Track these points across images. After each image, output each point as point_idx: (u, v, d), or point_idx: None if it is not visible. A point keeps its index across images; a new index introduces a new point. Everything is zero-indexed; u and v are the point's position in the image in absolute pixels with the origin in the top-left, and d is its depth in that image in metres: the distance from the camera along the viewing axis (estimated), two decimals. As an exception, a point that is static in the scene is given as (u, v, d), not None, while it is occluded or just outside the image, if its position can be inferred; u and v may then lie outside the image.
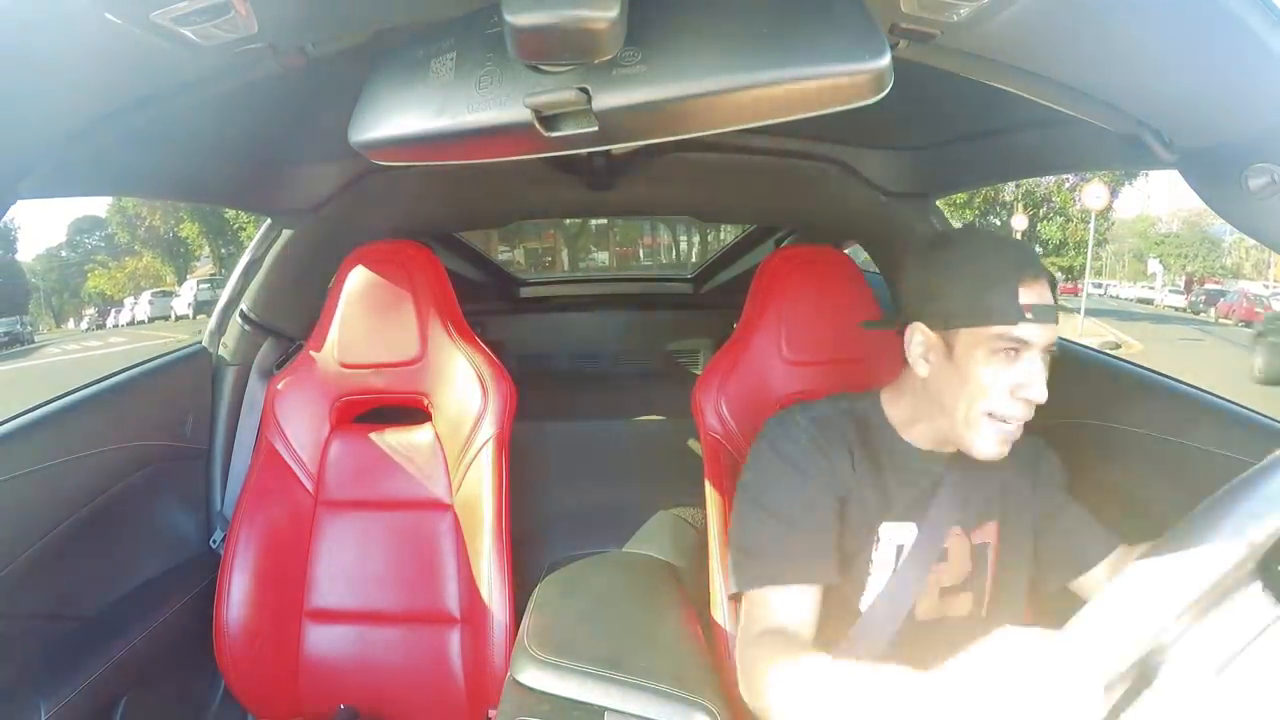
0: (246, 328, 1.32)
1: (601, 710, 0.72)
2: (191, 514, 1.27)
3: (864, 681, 0.61)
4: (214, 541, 1.25)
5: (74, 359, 14.13)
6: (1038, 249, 17.31)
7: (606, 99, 0.53)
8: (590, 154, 1.23)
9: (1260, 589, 0.46)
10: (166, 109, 0.63)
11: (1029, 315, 0.74)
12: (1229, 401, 0.94)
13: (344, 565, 1.15)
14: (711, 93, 0.52)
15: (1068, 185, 15.49)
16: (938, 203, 1.43)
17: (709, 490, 1.06)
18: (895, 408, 0.87)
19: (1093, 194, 12.81)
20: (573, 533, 1.31)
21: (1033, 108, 0.64)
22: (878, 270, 1.52)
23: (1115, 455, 1.02)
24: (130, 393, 1.14)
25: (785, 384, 1.10)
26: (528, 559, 1.18)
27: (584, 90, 0.53)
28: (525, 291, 2.29)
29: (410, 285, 1.16)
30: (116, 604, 1.05)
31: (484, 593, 1.06)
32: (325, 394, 1.19)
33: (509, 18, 0.47)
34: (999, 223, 16.91)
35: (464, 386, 1.14)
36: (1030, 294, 0.75)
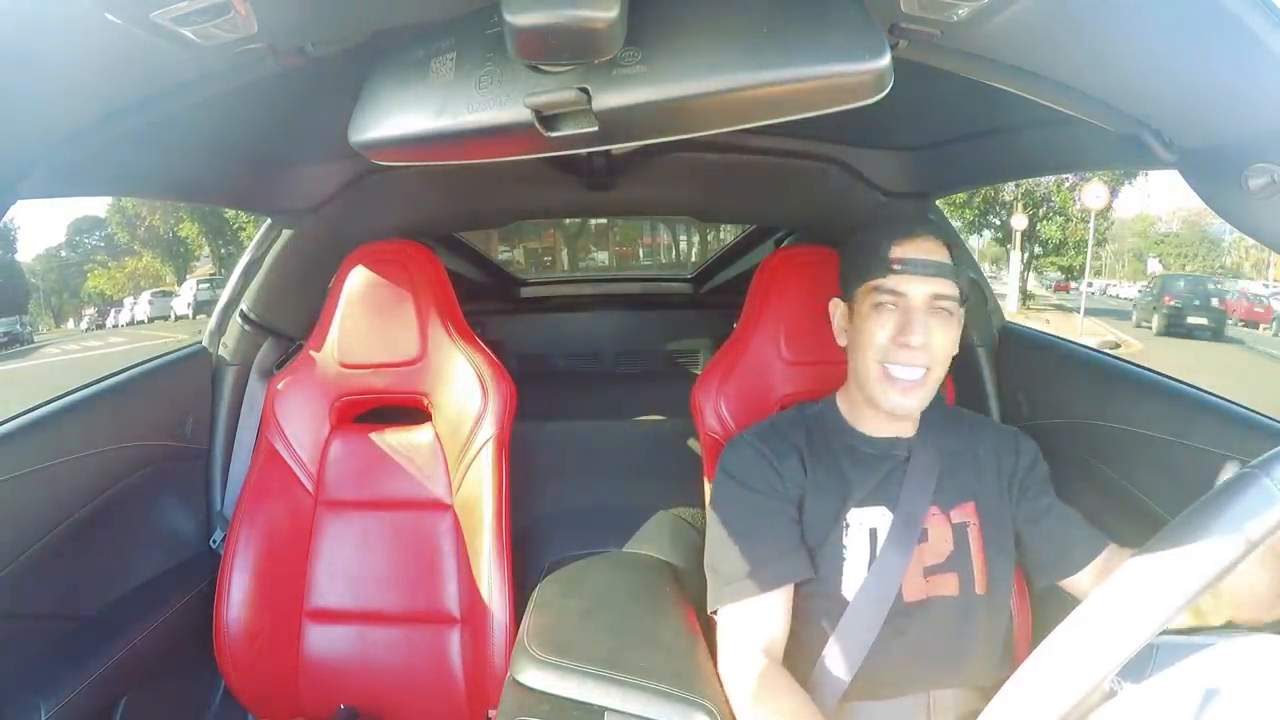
0: (246, 328, 1.31)
1: (601, 710, 0.72)
2: (191, 514, 1.26)
3: None
4: (214, 541, 1.25)
5: (73, 359, 14.12)
6: (1038, 249, 17.40)
7: (606, 99, 0.53)
8: (590, 154, 1.23)
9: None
10: (166, 109, 0.63)
11: (896, 267, 0.83)
12: (1229, 401, 0.94)
13: (344, 565, 1.15)
14: (711, 93, 0.52)
15: (1067, 185, 15.45)
16: (938, 202, 1.43)
17: (709, 490, 1.07)
18: (846, 401, 0.94)
19: (1092, 194, 12.79)
20: (573, 533, 1.31)
21: (1033, 108, 0.64)
22: None
23: (1115, 455, 1.02)
24: (130, 393, 1.14)
25: (784, 384, 1.10)
26: (528, 559, 1.18)
27: (584, 90, 0.53)
28: (525, 291, 2.29)
29: (410, 285, 1.16)
30: (116, 604, 1.05)
31: (484, 593, 1.06)
32: (325, 394, 1.19)
33: (509, 18, 0.47)
34: (999, 222, 16.90)
35: (464, 386, 1.14)
36: (904, 250, 0.84)
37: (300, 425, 1.18)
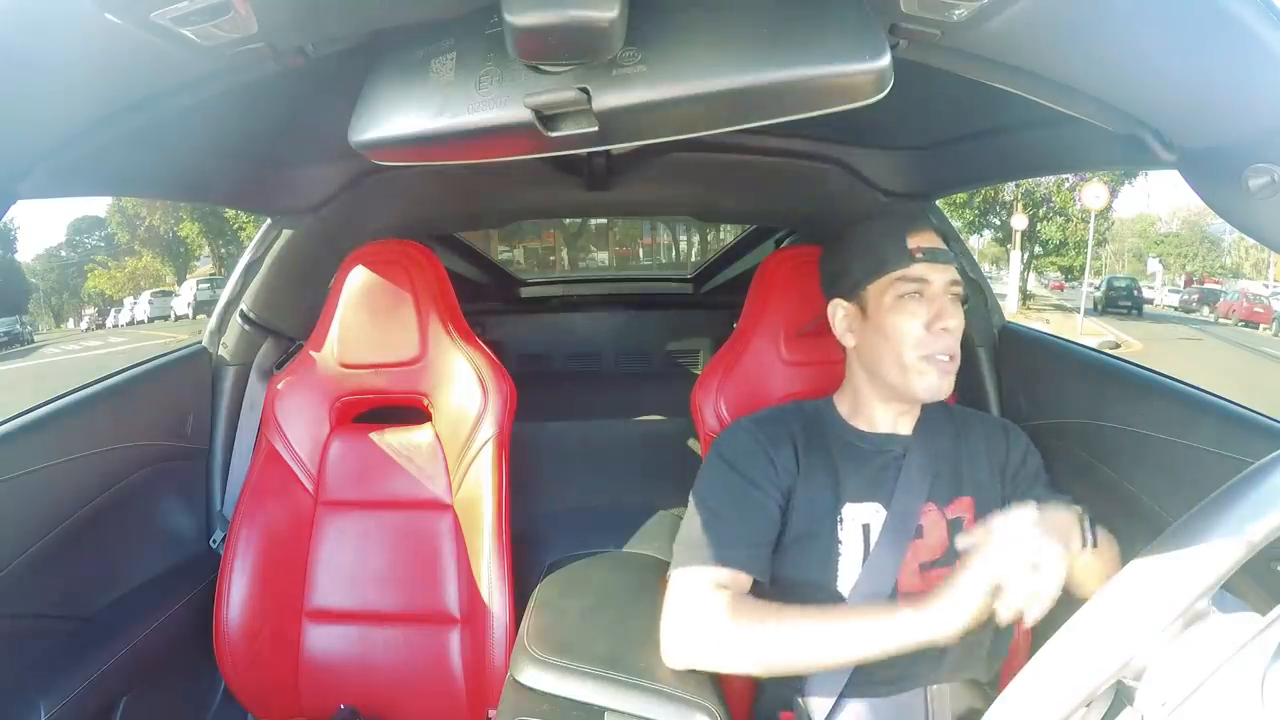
0: (246, 328, 1.31)
1: (601, 710, 0.72)
2: (191, 514, 1.26)
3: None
4: (214, 541, 1.24)
5: (74, 359, 14.11)
6: (1038, 249, 17.42)
7: (606, 99, 0.53)
8: (590, 154, 1.23)
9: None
10: (167, 109, 0.63)
11: (919, 255, 0.84)
12: (1229, 401, 0.94)
13: (344, 565, 1.15)
14: (711, 93, 0.52)
15: (1067, 185, 15.46)
16: (938, 202, 1.43)
17: None
18: (843, 401, 0.94)
19: (1092, 194, 12.81)
20: (573, 533, 1.31)
21: (1033, 108, 0.64)
22: None
23: (1115, 455, 1.02)
24: (130, 393, 1.14)
25: (784, 384, 1.10)
26: (528, 559, 1.18)
27: (584, 90, 0.53)
28: (525, 291, 2.29)
29: (410, 285, 1.16)
30: (116, 604, 1.05)
31: (484, 593, 1.06)
32: (325, 394, 1.19)
33: (509, 18, 0.47)
34: (999, 222, 16.91)
35: (464, 386, 1.14)
36: (920, 240, 0.84)
37: (300, 425, 1.18)
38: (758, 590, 0.85)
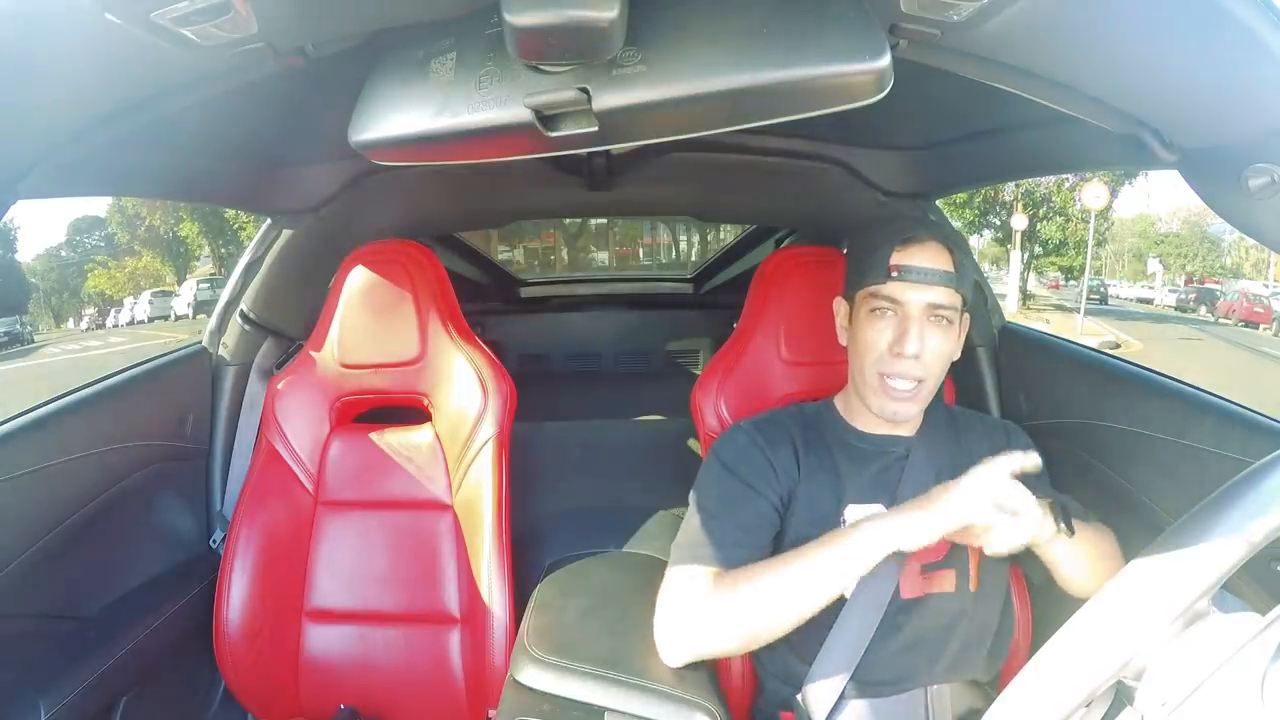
0: (246, 328, 1.31)
1: (601, 710, 0.72)
2: (191, 514, 1.26)
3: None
4: (214, 541, 1.25)
5: (73, 359, 14.11)
6: (1038, 249, 17.41)
7: (606, 99, 0.53)
8: (590, 154, 1.23)
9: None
10: (167, 109, 0.63)
11: (894, 275, 0.82)
12: (1229, 401, 0.94)
13: (344, 565, 1.15)
14: (711, 93, 0.52)
15: (1067, 185, 15.46)
16: (938, 202, 1.43)
17: None
18: (844, 401, 0.94)
19: (1092, 194, 12.81)
20: (573, 533, 1.31)
21: (1033, 108, 0.64)
22: None
23: (1115, 455, 1.02)
24: (130, 393, 1.14)
25: (784, 384, 1.10)
26: (528, 559, 1.18)
27: (584, 90, 0.53)
28: (525, 291, 2.29)
29: (410, 285, 1.16)
30: (116, 604, 1.05)
31: (484, 593, 1.06)
32: (325, 394, 1.19)
33: (509, 18, 0.47)
34: (999, 222, 16.92)
35: (464, 387, 1.14)
36: (903, 257, 0.82)
37: (300, 425, 1.18)
38: None
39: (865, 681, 0.83)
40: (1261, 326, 16.78)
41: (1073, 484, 0.98)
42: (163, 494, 1.19)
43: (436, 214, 1.45)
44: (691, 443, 1.50)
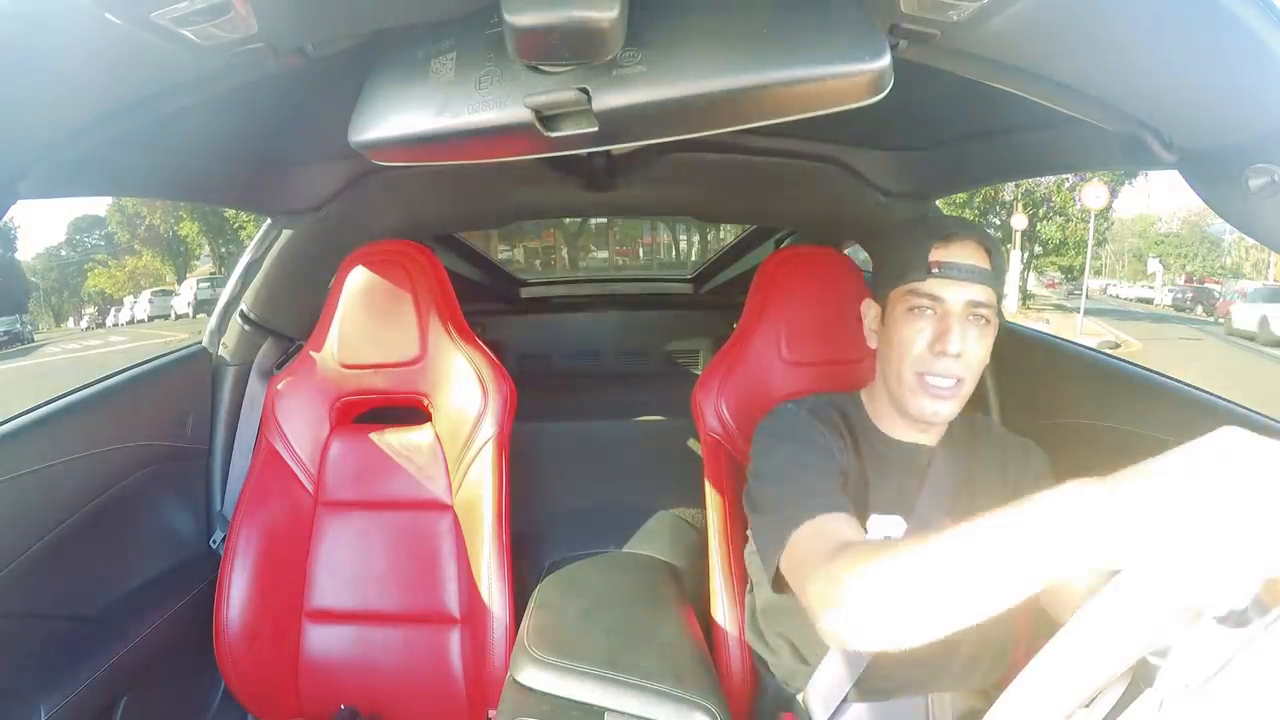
0: (246, 328, 1.31)
1: (601, 710, 0.72)
2: (191, 514, 1.26)
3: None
4: (214, 541, 1.25)
5: (73, 358, 14.11)
6: (1038, 249, 17.39)
7: (606, 99, 0.53)
8: (590, 154, 1.23)
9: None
10: (166, 109, 0.63)
11: (935, 271, 0.79)
12: (1229, 401, 0.94)
13: (344, 565, 1.15)
14: (711, 93, 0.52)
15: (1067, 185, 15.46)
16: (938, 203, 1.43)
17: (709, 490, 1.06)
18: (872, 403, 0.91)
19: (1092, 194, 12.80)
20: (573, 533, 1.31)
21: (1033, 108, 0.64)
22: None
23: (1115, 455, 1.01)
24: (130, 393, 1.14)
25: (784, 384, 1.10)
26: (528, 559, 1.18)
27: (584, 90, 0.53)
28: (525, 291, 2.29)
29: (410, 285, 1.16)
30: (116, 604, 1.05)
31: (484, 593, 1.06)
32: (325, 394, 1.19)
33: (509, 18, 0.47)
34: (999, 222, 16.90)
35: (464, 387, 1.14)
36: (944, 254, 0.79)
37: (300, 425, 1.18)
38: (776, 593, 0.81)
39: (868, 687, 0.83)
40: (1261, 326, 16.82)
41: None
42: (163, 494, 1.19)
43: (436, 214, 1.45)
44: (691, 443, 1.49)
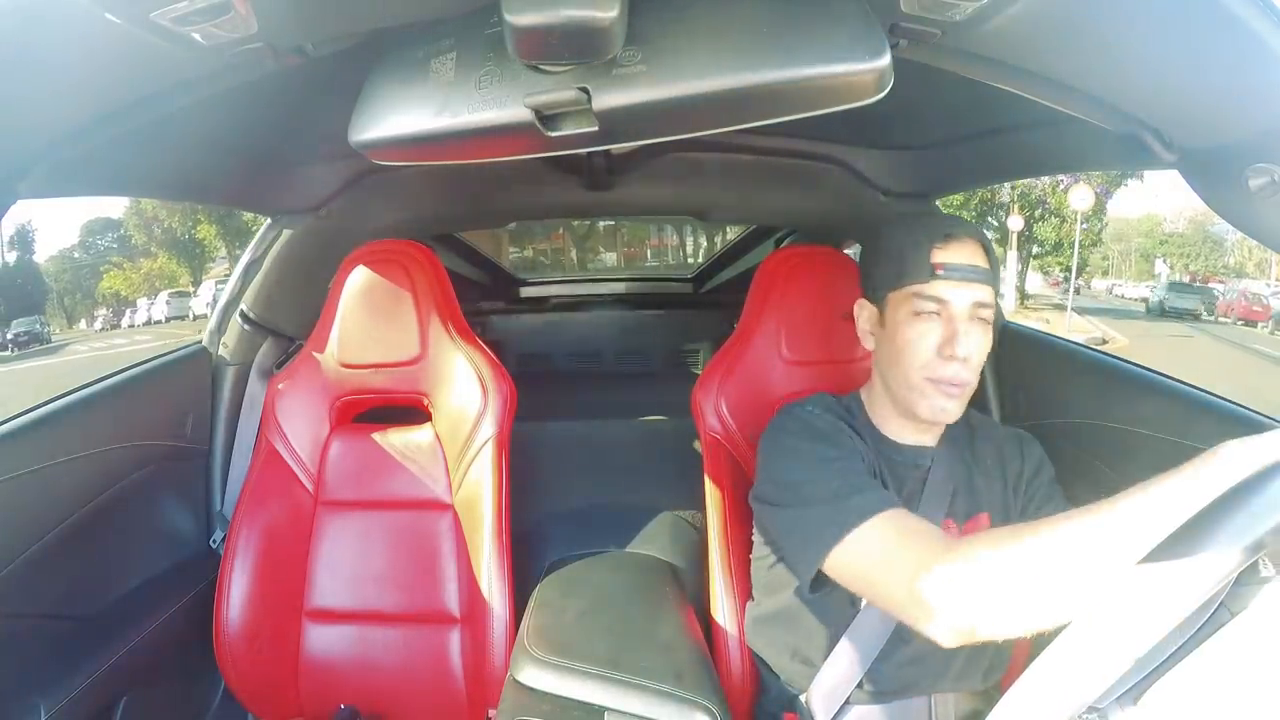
0: (246, 327, 1.31)
1: (601, 710, 0.72)
2: (191, 514, 1.26)
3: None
4: (214, 541, 1.25)
5: (98, 355, 14.16)
6: (1035, 249, 17.39)
7: (606, 99, 0.53)
8: (590, 154, 1.23)
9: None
10: (166, 109, 0.63)
11: (940, 273, 0.78)
12: (1229, 401, 0.94)
13: (344, 565, 1.15)
14: (711, 93, 0.52)
15: (1061, 187, 15.53)
16: (937, 203, 1.43)
17: (709, 490, 1.06)
18: (871, 404, 0.90)
19: (1078, 196, 12.99)
20: (573, 533, 1.31)
21: (1033, 108, 0.64)
22: None
23: (1115, 455, 1.02)
24: (130, 393, 1.14)
25: (785, 384, 1.10)
26: (528, 559, 1.18)
27: (584, 90, 0.53)
28: (525, 291, 2.29)
29: (410, 285, 1.16)
30: (116, 604, 1.05)
31: (484, 592, 1.06)
32: (325, 394, 1.19)
33: (509, 18, 0.47)
34: (996, 223, 16.90)
35: (464, 386, 1.14)
36: (946, 255, 0.78)
37: (300, 425, 1.18)
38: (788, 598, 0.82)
39: (871, 688, 0.83)
40: (1259, 325, 16.80)
41: (1073, 484, 0.97)
42: (163, 494, 1.20)
43: (436, 214, 1.45)
44: (691, 443, 1.50)
